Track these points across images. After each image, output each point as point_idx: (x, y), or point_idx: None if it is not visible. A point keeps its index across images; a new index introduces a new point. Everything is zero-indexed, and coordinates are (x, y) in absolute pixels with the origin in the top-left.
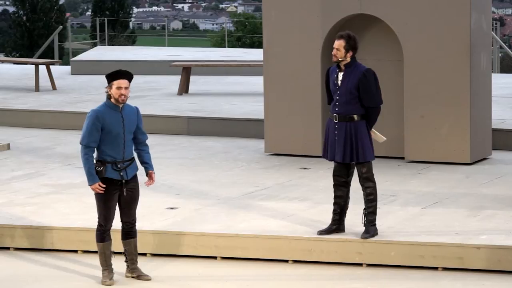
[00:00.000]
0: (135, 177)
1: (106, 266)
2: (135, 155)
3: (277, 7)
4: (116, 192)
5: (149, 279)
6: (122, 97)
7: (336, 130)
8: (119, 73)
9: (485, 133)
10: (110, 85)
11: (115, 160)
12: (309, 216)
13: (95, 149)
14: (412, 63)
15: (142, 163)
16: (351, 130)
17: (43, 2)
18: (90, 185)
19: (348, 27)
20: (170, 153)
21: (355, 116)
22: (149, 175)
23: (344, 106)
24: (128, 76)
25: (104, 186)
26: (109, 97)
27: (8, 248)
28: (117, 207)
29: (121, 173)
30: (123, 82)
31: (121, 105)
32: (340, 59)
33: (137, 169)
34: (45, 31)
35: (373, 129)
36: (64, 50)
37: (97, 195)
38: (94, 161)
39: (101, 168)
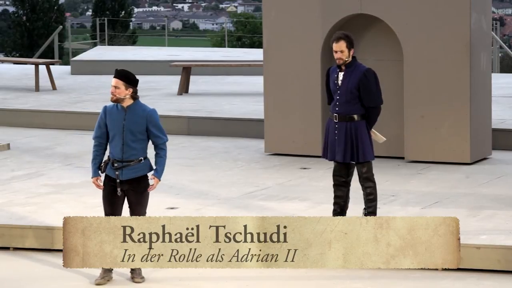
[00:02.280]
0: (137, 180)
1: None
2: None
3: (277, 7)
4: (117, 190)
5: (140, 282)
6: (111, 96)
7: (336, 130)
8: (115, 72)
9: (485, 133)
10: None
11: (114, 158)
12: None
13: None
14: (412, 63)
15: (154, 167)
16: (351, 130)
17: (42, 2)
18: (91, 178)
19: (348, 27)
20: (170, 153)
21: (355, 116)
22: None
23: (344, 106)
24: (121, 76)
25: (102, 183)
26: None
27: (8, 248)
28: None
29: (117, 172)
30: (113, 81)
31: (125, 104)
32: (346, 60)
33: (142, 172)
34: (45, 31)
35: (373, 129)
36: (64, 50)
37: (102, 190)
38: (106, 157)
39: (102, 164)
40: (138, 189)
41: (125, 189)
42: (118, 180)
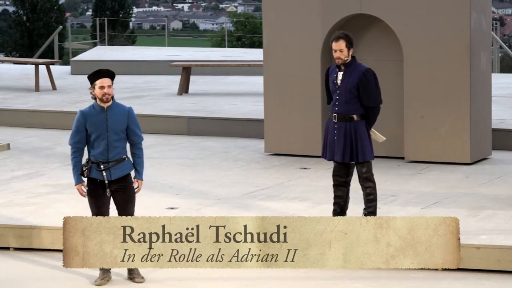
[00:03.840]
0: (124, 178)
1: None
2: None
3: (277, 7)
4: (105, 192)
5: (141, 282)
6: (106, 96)
7: (335, 130)
8: (100, 73)
9: (485, 133)
10: (93, 86)
11: (98, 160)
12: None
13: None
14: (412, 63)
15: (134, 168)
16: (350, 130)
17: (43, 2)
18: (75, 186)
19: (348, 27)
20: (170, 153)
21: (355, 116)
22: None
23: (343, 105)
24: (109, 75)
25: (86, 188)
26: (94, 98)
27: (8, 248)
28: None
29: (104, 174)
30: (105, 81)
31: (105, 105)
32: (345, 59)
33: (128, 170)
34: (45, 31)
35: (372, 129)
36: (64, 50)
37: (88, 194)
38: (85, 161)
39: (85, 168)
40: (126, 187)
41: (112, 189)
42: (106, 181)
